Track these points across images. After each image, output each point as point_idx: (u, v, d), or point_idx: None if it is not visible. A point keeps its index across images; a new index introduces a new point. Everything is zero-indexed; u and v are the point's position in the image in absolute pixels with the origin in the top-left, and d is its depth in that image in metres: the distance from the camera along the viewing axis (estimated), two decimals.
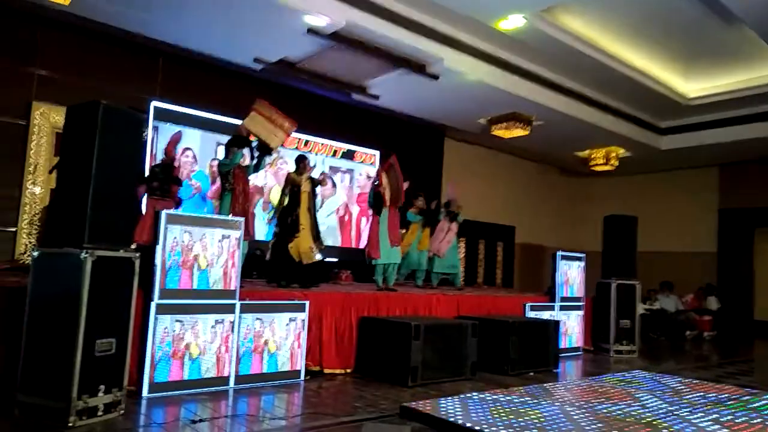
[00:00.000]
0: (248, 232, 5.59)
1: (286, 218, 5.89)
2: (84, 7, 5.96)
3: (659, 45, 7.97)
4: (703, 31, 7.39)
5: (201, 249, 4.38)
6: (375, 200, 6.53)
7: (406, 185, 6.55)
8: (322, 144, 8.96)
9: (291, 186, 6.01)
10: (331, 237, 8.89)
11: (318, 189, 6.32)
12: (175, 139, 6.35)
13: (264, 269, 6.74)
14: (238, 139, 5.85)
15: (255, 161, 5.97)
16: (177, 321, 4.21)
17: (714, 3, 6.36)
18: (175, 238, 4.25)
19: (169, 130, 7.23)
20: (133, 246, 3.66)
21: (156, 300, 4.11)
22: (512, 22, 6.86)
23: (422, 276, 7.76)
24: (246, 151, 5.87)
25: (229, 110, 7.57)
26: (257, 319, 4.66)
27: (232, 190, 5.68)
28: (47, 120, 6.58)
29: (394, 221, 6.54)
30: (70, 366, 3.23)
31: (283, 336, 4.80)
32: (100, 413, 3.37)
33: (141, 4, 5.95)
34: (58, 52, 6.71)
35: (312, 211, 6.04)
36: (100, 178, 3.40)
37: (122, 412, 3.53)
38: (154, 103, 7.26)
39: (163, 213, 4.25)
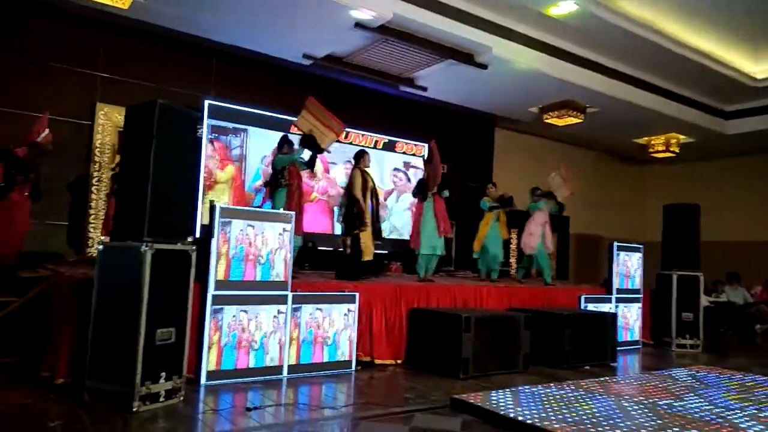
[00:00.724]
0: (299, 227, 5.65)
1: (349, 213, 5.90)
2: (142, 11, 6.21)
3: (723, 25, 7.56)
4: None
5: (262, 242, 4.51)
6: (419, 188, 6.50)
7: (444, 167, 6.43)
8: (363, 135, 8.90)
9: (360, 180, 5.92)
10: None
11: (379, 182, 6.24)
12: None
13: (317, 261, 6.85)
14: (302, 139, 5.85)
15: (308, 160, 6.02)
16: (242, 311, 4.36)
17: None
18: (240, 230, 4.40)
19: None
20: (190, 239, 3.78)
21: (211, 291, 4.25)
22: (563, 8, 6.69)
23: (498, 269, 7.20)
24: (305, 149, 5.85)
25: (280, 106, 7.72)
26: (318, 309, 4.76)
27: (288, 185, 5.68)
28: (110, 119, 6.92)
29: (442, 209, 6.43)
30: (134, 354, 3.39)
31: (341, 327, 4.89)
32: (161, 399, 3.52)
33: (195, 5, 6.15)
34: (119, 54, 7.02)
35: (373, 207, 5.99)
36: (158, 174, 3.53)
37: (182, 398, 3.67)
38: (208, 102, 7.47)
39: (217, 206, 4.38)
